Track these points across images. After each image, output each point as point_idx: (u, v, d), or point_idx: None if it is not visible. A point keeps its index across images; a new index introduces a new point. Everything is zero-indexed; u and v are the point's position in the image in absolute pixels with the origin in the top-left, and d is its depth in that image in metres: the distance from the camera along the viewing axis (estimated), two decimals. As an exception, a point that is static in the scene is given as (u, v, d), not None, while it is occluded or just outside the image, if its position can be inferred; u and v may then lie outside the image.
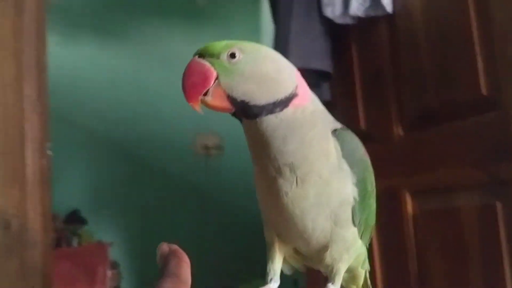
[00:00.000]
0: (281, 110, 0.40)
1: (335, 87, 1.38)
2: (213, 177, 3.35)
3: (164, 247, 0.36)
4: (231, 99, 0.40)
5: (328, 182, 0.41)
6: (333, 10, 1.27)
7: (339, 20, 1.29)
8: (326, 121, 0.43)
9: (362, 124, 1.29)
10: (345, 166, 0.42)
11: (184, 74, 0.41)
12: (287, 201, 0.41)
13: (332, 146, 0.41)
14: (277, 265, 0.46)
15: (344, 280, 0.50)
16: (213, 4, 3.56)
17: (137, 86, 3.27)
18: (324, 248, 0.44)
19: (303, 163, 0.40)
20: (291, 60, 0.44)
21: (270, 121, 0.40)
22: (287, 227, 0.43)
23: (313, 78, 1.35)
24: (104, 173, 3.39)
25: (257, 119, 0.40)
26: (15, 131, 0.78)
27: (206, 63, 0.41)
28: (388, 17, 1.20)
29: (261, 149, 0.41)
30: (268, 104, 0.40)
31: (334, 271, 0.45)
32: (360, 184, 0.43)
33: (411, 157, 1.15)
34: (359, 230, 0.45)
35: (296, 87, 0.41)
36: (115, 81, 3.01)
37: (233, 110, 0.41)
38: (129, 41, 3.31)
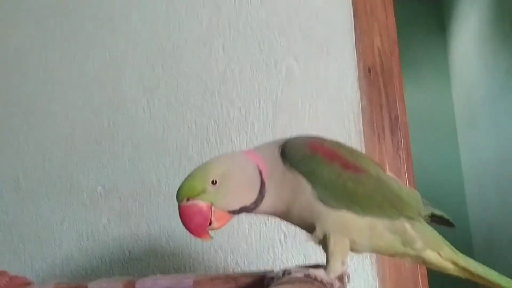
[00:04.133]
0: (264, 187, 0.51)
1: None
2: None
3: None
4: (232, 212, 0.50)
5: (294, 191, 0.51)
6: None
7: None
8: (275, 158, 0.52)
9: None
10: (295, 173, 0.51)
11: (184, 221, 0.49)
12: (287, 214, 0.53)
13: (281, 166, 0.51)
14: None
15: (436, 265, 0.55)
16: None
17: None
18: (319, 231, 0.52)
19: (285, 197, 0.51)
20: None
21: (266, 202, 0.51)
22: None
23: None
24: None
25: (258, 208, 0.51)
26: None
27: (197, 202, 0.49)
28: None
29: (277, 211, 0.53)
30: (258, 195, 0.51)
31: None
32: (311, 176, 0.50)
33: None
34: (353, 209, 0.50)
35: (257, 166, 0.51)
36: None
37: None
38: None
